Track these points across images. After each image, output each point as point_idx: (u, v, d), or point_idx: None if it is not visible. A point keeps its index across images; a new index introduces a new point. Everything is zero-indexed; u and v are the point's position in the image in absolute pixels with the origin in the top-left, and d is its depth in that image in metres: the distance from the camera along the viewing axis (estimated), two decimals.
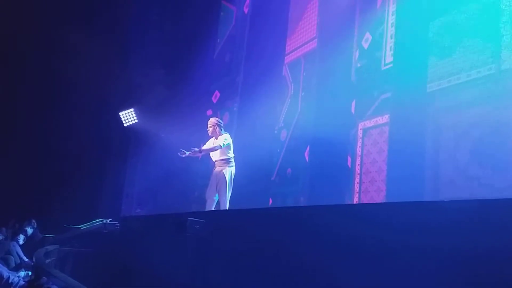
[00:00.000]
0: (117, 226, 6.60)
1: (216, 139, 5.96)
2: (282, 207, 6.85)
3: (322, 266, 2.79)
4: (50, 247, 6.55)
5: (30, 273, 6.12)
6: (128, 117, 11.05)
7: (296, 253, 3.05)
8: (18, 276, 5.84)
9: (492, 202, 2.31)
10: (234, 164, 5.97)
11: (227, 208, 5.81)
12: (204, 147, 5.99)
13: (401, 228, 2.45)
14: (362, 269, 2.54)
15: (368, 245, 2.55)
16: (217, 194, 5.91)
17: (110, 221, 6.89)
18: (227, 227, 4.04)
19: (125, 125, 11.08)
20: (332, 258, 2.76)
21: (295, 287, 2.98)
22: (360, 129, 6.42)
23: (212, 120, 6.07)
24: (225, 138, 5.90)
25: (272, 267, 3.20)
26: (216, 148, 5.84)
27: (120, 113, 11.05)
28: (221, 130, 6.00)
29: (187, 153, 5.80)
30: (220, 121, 6.14)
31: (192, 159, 6.80)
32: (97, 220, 7.31)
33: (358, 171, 6.33)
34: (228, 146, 5.91)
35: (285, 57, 8.40)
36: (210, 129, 6.02)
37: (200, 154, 5.96)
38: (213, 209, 5.91)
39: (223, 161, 5.92)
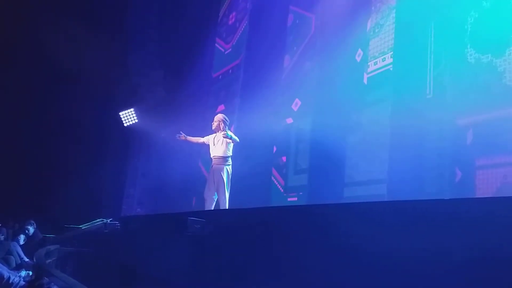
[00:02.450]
0: (117, 226, 6.60)
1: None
2: (282, 206, 6.83)
3: (323, 266, 2.79)
4: (50, 247, 6.56)
5: (30, 273, 6.11)
6: (128, 117, 11.05)
7: (297, 252, 3.04)
8: (19, 276, 5.84)
9: (493, 200, 2.31)
10: (231, 163, 6.01)
11: (227, 207, 5.82)
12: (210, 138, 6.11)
13: (401, 228, 2.45)
14: (362, 268, 2.54)
15: (369, 244, 2.54)
16: (216, 193, 5.92)
17: (110, 221, 6.90)
18: (227, 227, 4.04)
19: (125, 125, 11.08)
20: (332, 257, 2.76)
21: (295, 286, 2.97)
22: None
23: (219, 116, 6.10)
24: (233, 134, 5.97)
25: (272, 266, 3.20)
26: (236, 140, 5.91)
27: (120, 113, 11.05)
28: (226, 127, 6.02)
29: (185, 137, 6.11)
30: (227, 118, 6.15)
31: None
32: (98, 220, 7.34)
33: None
34: (234, 142, 5.96)
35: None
36: (214, 124, 6.04)
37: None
38: (212, 208, 5.92)
39: (221, 159, 5.94)
